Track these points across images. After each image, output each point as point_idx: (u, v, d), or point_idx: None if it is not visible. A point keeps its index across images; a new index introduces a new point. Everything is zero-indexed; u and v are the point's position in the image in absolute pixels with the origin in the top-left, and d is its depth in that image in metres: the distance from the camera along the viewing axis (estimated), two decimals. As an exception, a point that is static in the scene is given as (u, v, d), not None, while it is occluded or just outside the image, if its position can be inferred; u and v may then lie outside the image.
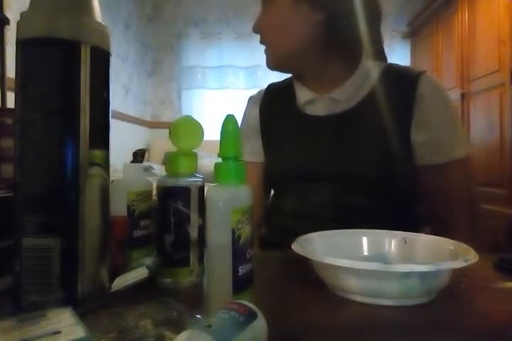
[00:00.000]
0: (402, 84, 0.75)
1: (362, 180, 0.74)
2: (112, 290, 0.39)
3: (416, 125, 0.73)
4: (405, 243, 0.51)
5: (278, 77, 0.93)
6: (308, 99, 0.81)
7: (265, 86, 0.95)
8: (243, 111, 0.95)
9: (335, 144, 0.77)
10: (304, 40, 0.75)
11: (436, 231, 0.55)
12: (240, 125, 0.86)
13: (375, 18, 0.79)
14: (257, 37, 0.81)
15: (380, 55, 0.82)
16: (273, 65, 0.81)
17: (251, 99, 0.94)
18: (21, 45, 0.35)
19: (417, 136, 0.73)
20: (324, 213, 0.74)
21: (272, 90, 0.92)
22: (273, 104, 0.89)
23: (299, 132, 0.82)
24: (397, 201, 0.75)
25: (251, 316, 0.28)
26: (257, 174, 0.88)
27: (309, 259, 0.42)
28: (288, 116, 0.84)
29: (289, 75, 0.88)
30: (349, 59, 0.79)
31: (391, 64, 0.82)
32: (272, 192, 0.92)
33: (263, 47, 0.81)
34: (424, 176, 0.75)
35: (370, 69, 0.79)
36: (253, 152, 0.88)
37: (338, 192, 0.74)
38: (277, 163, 0.85)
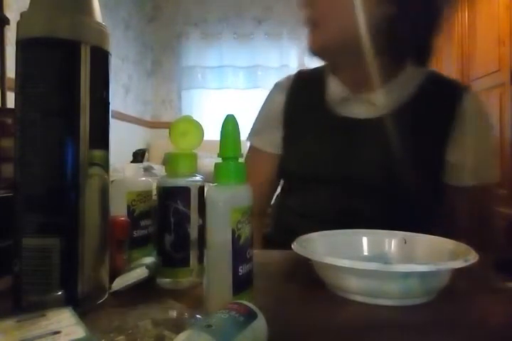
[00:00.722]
0: (445, 96, 0.71)
1: (386, 190, 0.70)
2: (112, 290, 0.39)
3: (453, 144, 0.69)
4: (405, 243, 0.51)
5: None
6: (342, 96, 0.75)
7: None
8: (266, 96, 0.88)
9: (365, 150, 0.72)
10: (364, 27, 0.66)
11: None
12: (261, 109, 0.87)
13: (434, 22, 0.73)
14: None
15: (426, 61, 0.76)
16: (319, 47, 0.72)
17: (277, 85, 0.87)
18: (21, 45, 0.35)
19: (452, 155, 0.70)
20: (339, 218, 0.68)
21: (302, 79, 0.84)
22: (301, 95, 0.82)
23: (327, 131, 0.76)
24: (416, 213, 0.71)
25: (251, 316, 0.28)
26: (271, 166, 0.82)
27: (309, 259, 0.42)
28: (316, 111, 0.77)
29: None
30: (397, 61, 0.73)
31: (434, 72, 0.76)
32: (279, 189, 0.88)
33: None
34: (450, 194, 0.72)
35: (414, 75, 0.73)
36: (271, 142, 0.82)
37: (357, 198, 0.71)
38: (297, 160, 0.79)
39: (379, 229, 0.53)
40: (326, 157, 0.74)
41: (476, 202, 0.73)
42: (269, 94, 0.88)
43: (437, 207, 0.73)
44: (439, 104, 0.71)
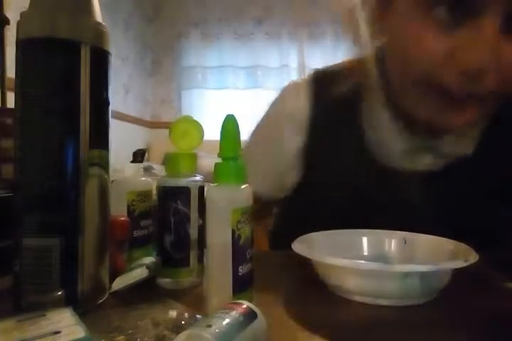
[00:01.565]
0: None
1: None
2: (112, 290, 0.39)
3: None
4: (405, 243, 0.51)
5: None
6: (405, 147, 0.56)
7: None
8: (267, 124, 0.66)
9: (408, 211, 0.54)
10: None
11: None
12: (264, 145, 0.64)
13: None
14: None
15: None
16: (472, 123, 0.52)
17: (290, 117, 0.62)
18: (21, 45, 0.35)
19: None
20: None
21: (326, 102, 0.60)
22: (330, 128, 0.60)
23: (364, 184, 0.58)
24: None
25: (251, 316, 0.28)
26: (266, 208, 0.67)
27: (309, 259, 0.42)
28: (352, 156, 0.59)
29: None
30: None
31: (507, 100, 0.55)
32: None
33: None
34: None
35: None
36: (280, 184, 0.64)
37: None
38: (314, 209, 0.62)
39: None
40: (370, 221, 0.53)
41: None
42: (274, 126, 0.65)
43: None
44: None
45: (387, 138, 0.56)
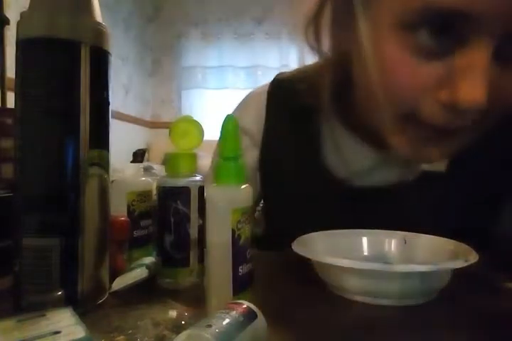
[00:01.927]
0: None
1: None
2: (112, 290, 0.39)
3: None
4: (405, 243, 0.51)
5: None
6: (369, 165, 0.52)
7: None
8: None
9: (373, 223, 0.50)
10: None
11: None
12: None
13: None
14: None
15: None
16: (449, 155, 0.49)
17: (241, 123, 0.59)
18: (21, 45, 0.35)
19: None
20: None
21: (280, 115, 0.58)
22: (283, 142, 0.58)
23: (324, 201, 0.56)
24: None
25: (251, 316, 0.28)
26: None
27: (309, 259, 0.42)
28: (309, 174, 0.56)
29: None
30: None
31: None
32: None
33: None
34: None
35: None
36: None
37: None
38: (280, 223, 0.61)
39: None
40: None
41: None
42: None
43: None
44: (502, 155, 0.51)
45: (348, 157, 0.52)
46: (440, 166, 0.51)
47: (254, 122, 0.60)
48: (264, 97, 0.60)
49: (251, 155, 0.60)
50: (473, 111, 0.37)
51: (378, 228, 0.51)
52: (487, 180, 0.51)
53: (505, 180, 0.50)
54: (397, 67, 0.39)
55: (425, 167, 0.51)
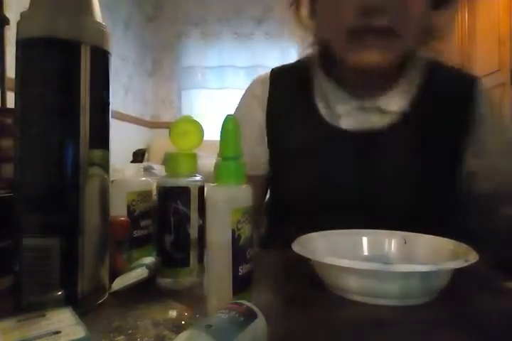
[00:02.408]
0: (456, 96, 0.61)
1: (395, 215, 0.55)
2: (112, 290, 0.39)
3: (473, 151, 0.61)
4: (405, 243, 0.51)
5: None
6: (347, 110, 0.63)
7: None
8: (239, 106, 0.75)
9: (366, 166, 0.62)
10: (419, 32, 0.58)
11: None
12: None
13: None
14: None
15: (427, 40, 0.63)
16: (390, 62, 0.57)
17: (254, 96, 0.72)
18: (21, 45, 0.35)
19: (471, 163, 0.62)
20: None
21: (282, 84, 0.71)
22: (286, 107, 0.68)
23: (321, 146, 0.64)
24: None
25: (251, 316, 0.28)
26: (258, 189, 0.70)
27: (309, 259, 0.42)
28: (310, 126, 0.65)
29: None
30: (410, 54, 0.61)
31: (437, 62, 0.65)
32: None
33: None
34: (472, 205, 0.64)
35: (417, 69, 0.63)
36: (253, 162, 0.67)
37: (362, 226, 0.55)
38: (288, 182, 0.68)
39: None
40: (320, 178, 0.63)
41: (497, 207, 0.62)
42: (242, 104, 0.74)
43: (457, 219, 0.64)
44: (451, 104, 0.62)
45: (332, 102, 0.63)
46: (405, 107, 0.63)
47: (261, 89, 0.71)
48: (267, 75, 0.73)
49: (259, 116, 0.70)
50: (377, 10, 0.51)
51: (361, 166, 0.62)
52: (436, 131, 0.62)
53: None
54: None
55: (390, 108, 0.62)
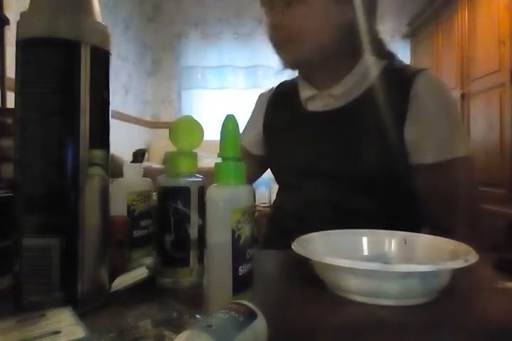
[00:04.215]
0: (399, 82, 0.75)
1: (358, 179, 0.74)
2: (112, 290, 0.39)
3: (410, 123, 0.72)
4: (405, 243, 0.51)
5: (278, 77, 0.93)
6: (309, 95, 0.83)
7: (266, 86, 0.99)
8: (253, 108, 0.99)
9: (331, 140, 0.78)
10: (333, 38, 0.76)
11: (433, 233, 0.54)
12: (250, 116, 0.98)
13: (371, 13, 0.80)
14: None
15: (382, 52, 0.82)
16: (293, 62, 0.80)
17: (261, 95, 0.98)
18: (21, 45, 0.35)
19: (410, 134, 0.72)
20: (320, 213, 0.74)
21: (280, 88, 0.95)
22: (279, 100, 0.92)
23: (299, 127, 0.84)
24: (396, 201, 0.75)
25: (251, 316, 0.28)
26: (253, 166, 0.91)
27: (309, 259, 0.42)
28: (291, 111, 0.86)
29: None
30: (351, 55, 0.80)
31: (393, 62, 0.82)
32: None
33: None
34: (423, 176, 0.74)
35: (370, 67, 0.80)
36: (251, 143, 0.92)
37: (335, 191, 0.74)
38: (277, 157, 0.88)
39: (366, 221, 0.54)
40: (299, 151, 0.81)
41: (451, 179, 0.73)
42: (255, 105, 0.99)
43: (415, 189, 0.75)
44: (395, 89, 0.75)
45: (302, 93, 0.85)
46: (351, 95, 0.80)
47: (264, 97, 0.96)
48: (271, 88, 0.99)
49: (260, 118, 0.93)
50: (279, 27, 0.77)
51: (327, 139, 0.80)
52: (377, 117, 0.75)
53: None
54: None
55: (339, 94, 0.80)
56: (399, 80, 0.76)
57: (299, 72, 0.88)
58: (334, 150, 0.77)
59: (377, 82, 0.77)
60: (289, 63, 0.80)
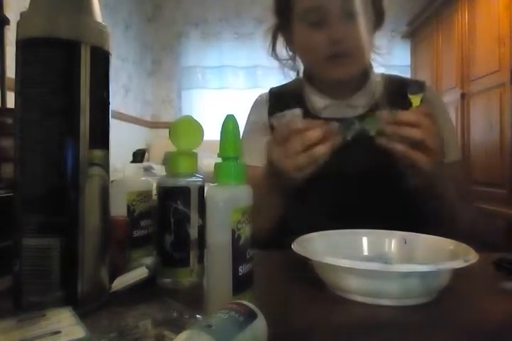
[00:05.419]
0: (404, 93, 0.79)
1: (358, 178, 0.77)
2: (112, 290, 0.39)
3: None
4: (405, 243, 0.51)
5: (278, 76, 0.94)
6: (325, 104, 0.85)
7: (266, 86, 0.97)
8: (248, 116, 0.97)
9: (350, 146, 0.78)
10: (371, 48, 0.82)
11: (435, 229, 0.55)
12: (245, 128, 0.95)
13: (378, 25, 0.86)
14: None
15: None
16: (347, 77, 0.81)
17: (256, 102, 0.97)
18: (21, 45, 0.35)
19: None
20: (320, 212, 0.75)
21: (278, 94, 0.95)
22: (283, 106, 0.89)
23: None
24: (396, 201, 0.76)
25: (251, 316, 0.28)
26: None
27: (309, 259, 0.42)
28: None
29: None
30: (366, 70, 0.85)
31: (389, 75, 0.90)
32: None
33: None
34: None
35: (377, 80, 0.86)
36: (258, 154, 0.84)
37: (335, 191, 0.77)
38: None
39: (370, 221, 0.54)
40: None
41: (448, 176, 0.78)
42: (250, 113, 0.97)
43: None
44: (403, 97, 0.79)
45: (315, 102, 0.87)
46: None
47: (261, 98, 0.95)
48: (267, 92, 0.98)
49: (262, 113, 0.92)
50: (340, 41, 0.75)
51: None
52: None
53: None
54: (303, 38, 0.81)
55: (358, 104, 0.84)
56: (403, 90, 0.79)
57: (310, 81, 0.89)
58: (351, 154, 0.76)
59: (386, 92, 0.81)
60: (342, 77, 0.80)
